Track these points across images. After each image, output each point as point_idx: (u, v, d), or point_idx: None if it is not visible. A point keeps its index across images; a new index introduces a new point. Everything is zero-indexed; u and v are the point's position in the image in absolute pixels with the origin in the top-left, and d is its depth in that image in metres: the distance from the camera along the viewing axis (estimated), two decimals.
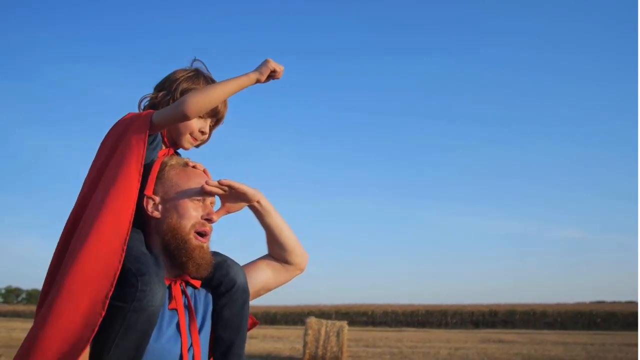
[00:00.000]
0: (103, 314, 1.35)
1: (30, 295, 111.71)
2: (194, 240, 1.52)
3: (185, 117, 1.56)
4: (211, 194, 1.58)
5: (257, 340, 20.04)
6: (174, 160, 1.61)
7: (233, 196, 1.63)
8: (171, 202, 1.54)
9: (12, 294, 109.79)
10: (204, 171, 1.62)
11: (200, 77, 1.72)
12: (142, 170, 1.50)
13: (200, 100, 1.54)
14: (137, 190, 1.48)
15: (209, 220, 1.55)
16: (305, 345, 12.85)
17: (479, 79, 59.95)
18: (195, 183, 1.56)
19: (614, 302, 43.21)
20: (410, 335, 24.64)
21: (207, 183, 1.56)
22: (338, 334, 12.84)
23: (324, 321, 13.30)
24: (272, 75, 1.60)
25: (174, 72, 1.73)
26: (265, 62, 1.59)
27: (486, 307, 39.62)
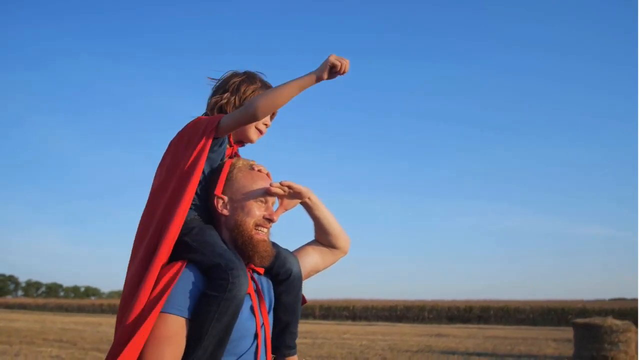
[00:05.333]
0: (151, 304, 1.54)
1: (50, 289, 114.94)
2: (257, 235, 1.68)
3: (255, 119, 1.69)
4: (274, 195, 1.75)
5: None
6: (240, 163, 1.76)
7: (289, 195, 1.80)
8: (238, 201, 1.70)
9: (32, 287, 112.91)
10: (267, 174, 1.78)
11: (256, 77, 1.88)
12: (199, 172, 1.66)
13: (269, 102, 1.66)
14: (193, 191, 1.64)
15: (270, 220, 1.72)
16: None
17: (482, 82, 59.84)
18: (260, 185, 1.72)
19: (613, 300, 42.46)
20: (363, 329, 25.14)
21: (271, 185, 1.73)
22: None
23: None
24: (334, 70, 1.65)
25: (230, 76, 1.88)
26: (326, 60, 1.65)
27: (463, 302, 40.24)
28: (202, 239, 1.64)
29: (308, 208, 1.86)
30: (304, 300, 1.90)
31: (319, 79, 1.64)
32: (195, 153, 1.65)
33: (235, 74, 1.87)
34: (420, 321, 36.33)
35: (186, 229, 1.64)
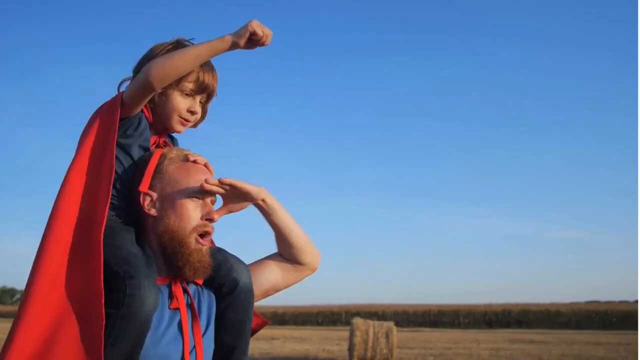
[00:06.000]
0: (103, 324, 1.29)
1: None
2: (194, 243, 1.43)
3: (150, 86, 1.41)
4: (211, 193, 1.46)
5: (279, 341, 19.58)
6: (173, 153, 1.50)
7: (235, 195, 1.52)
8: (169, 200, 1.45)
9: (6, 294, 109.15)
10: (205, 165, 1.51)
11: (180, 45, 1.56)
12: (114, 157, 1.38)
13: (165, 66, 1.41)
14: (110, 183, 1.37)
15: (210, 220, 1.46)
16: (352, 347, 12.34)
17: (479, 79, 59.74)
18: (195, 180, 1.46)
19: (623, 302, 43.21)
20: (435, 336, 24.30)
21: (206, 181, 1.44)
22: (387, 335, 12.35)
23: (370, 322, 12.80)
24: (254, 39, 1.43)
25: (152, 48, 1.58)
26: (246, 25, 1.42)
27: (499, 306, 39.45)
28: (107, 241, 1.34)
29: (263, 212, 1.56)
30: (261, 322, 1.62)
31: (234, 44, 1.42)
32: (99, 138, 1.40)
33: (158, 45, 1.55)
34: (457, 326, 35.56)
35: None
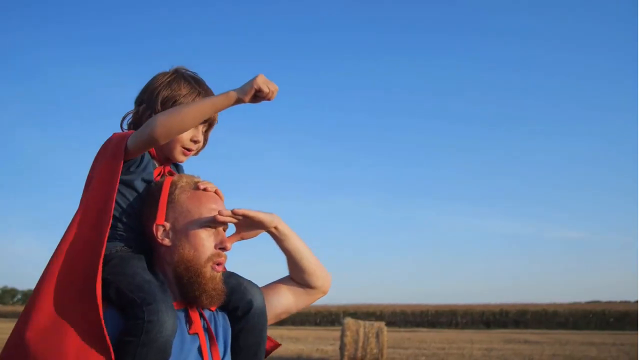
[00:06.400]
0: None
1: (26, 296, 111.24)
2: (210, 271, 1.45)
3: (155, 142, 1.45)
4: (224, 224, 1.50)
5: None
6: (184, 181, 1.51)
7: (248, 224, 1.55)
8: (183, 230, 1.46)
9: (7, 294, 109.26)
10: (216, 192, 1.53)
11: (181, 81, 1.59)
12: (112, 204, 1.40)
13: (169, 123, 1.43)
14: (107, 230, 1.38)
15: (224, 249, 1.48)
16: (342, 346, 12.40)
17: (477, 79, 59.61)
18: (208, 209, 1.48)
19: (612, 302, 43.15)
20: (430, 336, 24.32)
21: (220, 213, 1.47)
22: (377, 335, 12.40)
23: (361, 322, 12.86)
24: (259, 95, 1.44)
25: (153, 79, 1.60)
26: (251, 80, 1.43)
27: (496, 306, 39.39)
28: (119, 270, 1.38)
29: (276, 239, 1.59)
30: (274, 345, 1.65)
31: (239, 100, 1.43)
32: (105, 179, 1.43)
33: (159, 76, 1.58)
34: (455, 327, 35.45)
35: (104, 262, 1.36)
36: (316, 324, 40.61)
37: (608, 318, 33.42)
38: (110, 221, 1.39)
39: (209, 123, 1.62)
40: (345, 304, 45.52)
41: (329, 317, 40.62)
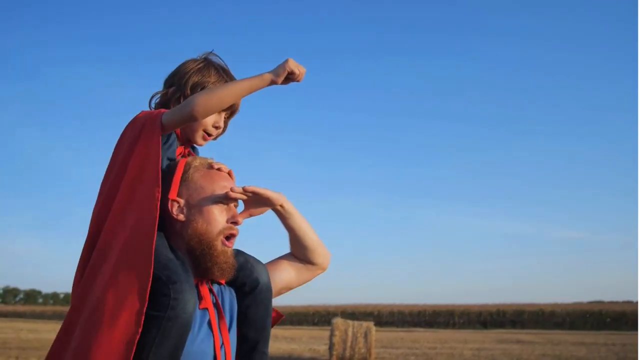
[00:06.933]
0: (140, 330, 1.36)
1: (28, 296, 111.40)
2: (220, 245, 1.53)
3: (194, 119, 1.53)
4: (235, 200, 1.58)
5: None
6: (197, 162, 1.60)
7: (256, 201, 1.64)
8: (196, 205, 1.54)
9: (10, 294, 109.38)
10: (229, 173, 1.62)
11: (210, 68, 1.68)
12: (160, 176, 1.48)
13: (209, 102, 1.51)
14: (159, 198, 1.46)
15: (235, 223, 1.56)
16: (331, 346, 12.53)
17: (478, 79, 59.63)
18: (220, 187, 1.56)
19: (614, 302, 43.11)
20: (425, 336, 24.43)
21: (231, 190, 1.56)
22: (366, 335, 12.53)
23: (350, 322, 12.99)
24: (290, 77, 1.55)
25: (184, 64, 1.69)
26: (283, 63, 1.53)
27: (494, 307, 39.39)
28: None
29: (281, 217, 1.69)
30: (277, 316, 1.73)
31: (273, 82, 1.53)
32: (150, 154, 1.48)
33: (190, 62, 1.69)
34: (452, 327, 35.57)
35: None
36: (314, 324, 40.70)
37: (605, 318, 33.41)
38: (160, 195, 1.46)
39: (232, 111, 1.70)
40: (343, 304, 45.68)
41: (326, 317, 40.67)
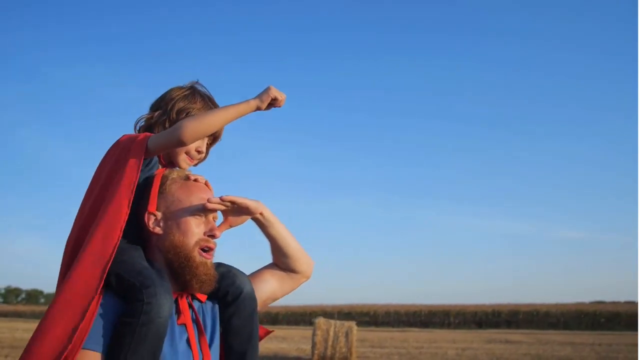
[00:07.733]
0: (70, 346, 1.35)
1: (30, 295, 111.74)
2: (198, 257, 1.51)
3: (181, 144, 1.56)
4: (213, 211, 1.57)
5: (261, 341, 19.91)
6: (175, 174, 1.60)
7: (235, 210, 1.63)
8: (173, 218, 1.53)
9: (11, 294, 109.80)
10: (206, 183, 1.62)
11: (196, 96, 1.73)
12: (133, 190, 1.50)
13: (198, 126, 1.54)
14: (127, 212, 1.48)
15: (213, 237, 1.55)
16: (313, 345, 12.74)
17: (478, 79, 59.76)
18: (197, 198, 1.55)
19: (615, 302, 43.14)
20: (415, 336, 24.58)
21: (209, 200, 1.55)
22: (347, 335, 12.74)
23: (332, 321, 13.21)
24: (272, 103, 1.60)
25: (170, 91, 1.74)
26: (266, 90, 1.59)
27: (489, 307, 39.48)
28: (118, 259, 1.45)
29: (261, 225, 1.67)
30: (267, 331, 1.72)
31: (258, 108, 1.58)
32: (126, 175, 1.51)
33: (176, 89, 1.74)
34: (447, 327, 35.66)
35: None
36: (311, 323, 40.85)
37: (599, 318, 33.49)
38: (126, 217, 1.48)
39: (214, 137, 1.74)
40: (341, 304, 45.83)
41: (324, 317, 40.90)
